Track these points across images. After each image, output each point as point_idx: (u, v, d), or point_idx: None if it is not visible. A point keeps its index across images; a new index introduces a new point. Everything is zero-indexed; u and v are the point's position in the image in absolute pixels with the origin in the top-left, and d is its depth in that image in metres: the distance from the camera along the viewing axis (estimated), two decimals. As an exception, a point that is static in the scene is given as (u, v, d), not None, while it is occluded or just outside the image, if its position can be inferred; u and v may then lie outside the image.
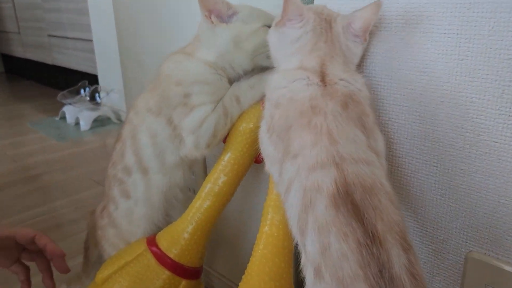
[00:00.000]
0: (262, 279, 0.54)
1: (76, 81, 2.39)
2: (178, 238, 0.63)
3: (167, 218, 0.75)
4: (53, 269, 0.74)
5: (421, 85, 0.50)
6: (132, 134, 0.70)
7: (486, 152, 0.47)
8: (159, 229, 0.72)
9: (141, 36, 0.99)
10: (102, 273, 0.64)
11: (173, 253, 0.63)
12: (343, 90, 0.46)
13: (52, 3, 2.65)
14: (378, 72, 0.54)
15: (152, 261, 0.62)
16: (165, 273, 0.62)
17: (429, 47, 0.48)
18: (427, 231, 0.54)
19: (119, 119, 2.23)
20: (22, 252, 0.73)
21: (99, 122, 2.21)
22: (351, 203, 0.39)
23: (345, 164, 0.41)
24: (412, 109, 0.51)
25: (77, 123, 2.20)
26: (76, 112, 2.21)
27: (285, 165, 0.45)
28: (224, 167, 0.63)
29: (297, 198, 0.42)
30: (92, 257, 0.85)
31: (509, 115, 0.44)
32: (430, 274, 0.55)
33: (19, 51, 3.36)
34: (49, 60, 2.93)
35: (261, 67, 0.64)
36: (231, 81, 0.65)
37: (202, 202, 0.64)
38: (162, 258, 0.63)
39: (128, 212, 0.73)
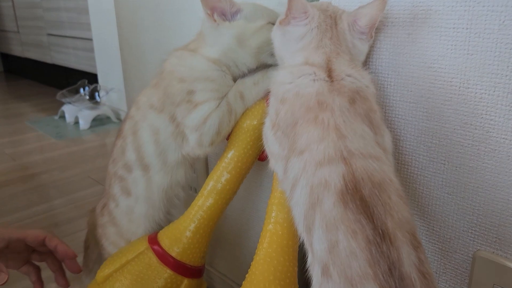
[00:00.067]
0: (266, 278, 0.53)
1: (75, 80, 2.38)
2: (180, 236, 0.62)
3: (168, 217, 0.75)
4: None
5: (429, 81, 0.49)
6: (133, 130, 0.69)
7: (496, 149, 0.46)
8: (160, 227, 0.71)
9: (143, 34, 0.98)
10: (103, 272, 0.64)
11: (175, 251, 0.62)
12: (350, 86, 0.46)
13: (51, 2, 2.64)
14: (384, 68, 0.53)
15: (154, 259, 0.62)
16: (167, 272, 0.61)
17: (437, 42, 0.48)
18: (433, 230, 0.53)
19: (118, 118, 2.22)
20: (32, 253, 0.73)
21: (99, 121, 2.20)
22: (359, 199, 0.38)
23: (353, 159, 0.40)
24: (419, 106, 0.51)
25: (76, 122, 2.19)
26: (76, 111, 2.20)
27: (290, 162, 0.44)
28: (227, 165, 0.62)
29: (304, 195, 0.41)
30: (92, 256, 0.84)
31: (519, 111, 0.43)
32: (436, 273, 0.55)
33: (18, 50, 3.35)
34: (48, 59, 2.92)
35: (265, 65, 0.63)
36: (235, 78, 0.64)
37: (205, 200, 0.63)
38: (164, 257, 0.62)
39: (128, 210, 0.72)
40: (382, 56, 0.53)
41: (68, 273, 0.74)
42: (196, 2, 0.79)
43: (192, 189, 0.91)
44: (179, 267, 0.62)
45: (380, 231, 0.37)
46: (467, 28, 0.45)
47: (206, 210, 0.63)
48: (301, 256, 0.54)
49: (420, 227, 0.55)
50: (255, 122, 0.61)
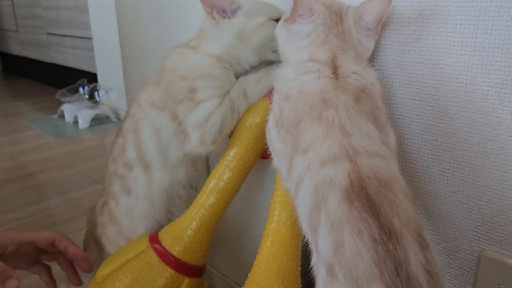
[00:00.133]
0: (269, 277, 0.52)
1: (75, 79, 2.37)
2: (182, 235, 0.62)
3: (169, 215, 0.74)
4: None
5: (435, 78, 0.49)
6: (134, 129, 0.68)
7: (502, 147, 0.45)
8: (161, 226, 0.70)
9: (143, 30, 0.97)
10: (103, 271, 0.63)
11: (176, 250, 0.61)
12: (355, 83, 0.45)
13: (51, 1, 2.63)
14: (389, 65, 0.52)
15: (155, 258, 0.61)
16: (167, 271, 0.60)
17: (443, 39, 0.47)
18: (438, 229, 0.53)
19: (118, 117, 2.21)
20: (42, 253, 0.73)
21: (98, 121, 2.19)
22: (365, 197, 0.37)
23: (358, 157, 0.39)
24: (424, 103, 0.50)
25: (76, 122, 2.19)
26: (75, 110, 2.19)
27: (294, 161, 0.44)
28: (230, 163, 0.62)
29: (308, 194, 0.41)
30: (92, 256, 0.83)
31: (527, 109, 0.43)
32: (441, 273, 0.54)
33: (17, 49, 3.33)
34: (47, 58, 2.91)
35: (268, 61, 0.63)
36: (237, 75, 0.63)
37: (207, 199, 0.62)
38: (164, 256, 0.61)
39: (129, 209, 0.72)
40: (387, 53, 0.52)
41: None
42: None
43: (193, 188, 0.90)
44: (180, 266, 0.61)
45: (387, 230, 0.36)
46: (474, 25, 0.44)
47: (208, 209, 0.62)
48: (304, 256, 0.54)
49: (424, 226, 0.54)
50: (258, 120, 0.60)
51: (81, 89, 2.28)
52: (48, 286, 0.73)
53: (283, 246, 0.53)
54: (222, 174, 0.62)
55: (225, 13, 0.60)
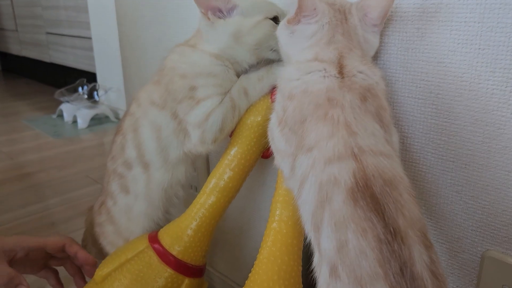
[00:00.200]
0: (270, 277, 0.51)
1: (73, 79, 2.36)
2: (182, 235, 0.61)
3: (167, 216, 0.73)
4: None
5: (438, 76, 0.48)
6: (133, 127, 0.67)
7: (507, 146, 0.45)
8: (159, 226, 0.69)
9: (143, 30, 0.97)
10: (102, 271, 0.62)
11: (176, 250, 0.60)
12: (361, 83, 0.44)
13: (50, 1, 2.62)
14: (392, 63, 0.52)
15: (154, 258, 0.60)
16: (167, 271, 0.60)
17: (447, 37, 0.47)
18: (441, 229, 0.52)
19: (117, 117, 2.21)
20: (50, 258, 0.73)
21: (97, 121, 2.19)
22: (370, 196, 0.37)
23: (364, 156, 0.39)
24: (428, 102, 0.50)
25: (75, 121, 2.18)
26: (74, 110, 2.19)
27: (298, 160, 0.43)
28: (230, 162, 0.61)
29: (312, 193, 0.40)
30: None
31: (532, 107, 0.42)
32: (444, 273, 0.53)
33: (16, 49, 3.33)
34: (46, 58, 2.90)
35: (269, 60, 0.62)
36: (238, 74, 0.63)
37: (207, 198, 0.62)
38: (164, 256, 0.60)
39: (127, 208, 0.71)
40: (390, 51, 0.52)
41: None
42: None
43: (193, 188, 0.90)
44: (180, 266, 0.60)
45: (392, 229, 0.36)
46: (479, 22, 0.44)
47: (208, 208, 0.61)
48: (305, 257, 0.53)
49: (427, 226, 0.53)
50: (259, 119, 0.60)
51: (80, 89, 2.27)
52: None
53: (284, 246, 0.53)
54: (222, 174, 0.61)
55: (221, 12, 0.59)
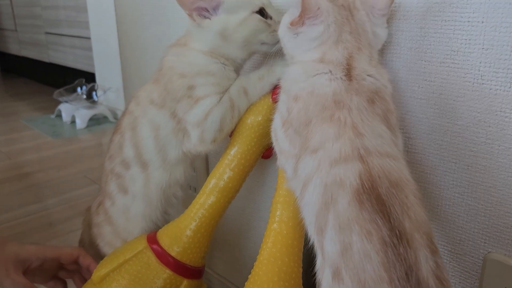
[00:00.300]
0: (270, 279, 0.51)
1: (72, 79, 2.35)
2: (181, 235, 0.60)
3: (165, 216, 0.73)
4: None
5: (441, 76, 0.48)
6: (132, 126, 0.67)
7: (510, 148, 0.44)
8: (157, 227, 0.69)
9: (143, 33, 0.96)
10: (100, 271, 0.61)
11: (175, 251, 0.60)
12: (370, 86, 0.44)
13: (50, 1, 2.62)
14: (395, 63, 0.51)
15: (153, 259, 0.59)
16: (166, 272, 0.59)
17: (450, 37, 0.46)
18: (443, 231, 0.52)
19: (115, 118, 2.20)
20: (60, 269, 0.74)
21: (96, 121, 2.18)
22: (376, 198, 0.36)
23: (370, 157, 0.38)
24: (430, 102, 0.49)
25: (73, 121, 2.17)
26: (72, 110, 2.18)
27: (302, 161, 0.42)
28: (230, 162, 0.61)
29: (316, 194, 0.39)
30: (88, 256, 0.82)
31: (536, 108, 0.42)
32: (445, 276, 0.53)
33: (15, 49, 3.32)
34: (45, 58, 2.89)
35: (265, 52, 0.61)
36: (236, 70, 0.62)
37: (206, 198, 0.61)
38: (163, 256, 0.60)
39: (125, 208, 0.70)
40: (393, 51, 0.51)
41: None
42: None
43: (192, 189, 0.89)
44: (179, 267, 0.60)
45: (397, 232, 0.35)
46: (482, 22, 0.43)
47: (208, 209, 0.61)
48: (307, 259, 0.52)
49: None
50: (259, 118, 0.59)
51: (79, 89, 2.26)
52: None
53: (284, 247, 0.52)
54: (222, 174, 0.61)
55: (208, 12, 0.58)
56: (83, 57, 2.44)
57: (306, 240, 0.52)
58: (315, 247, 0.41)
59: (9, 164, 1.66)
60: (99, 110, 2.18)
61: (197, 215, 0.61)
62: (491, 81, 0.44)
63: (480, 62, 0.44)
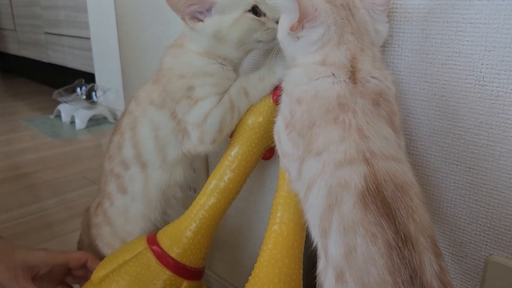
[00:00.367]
0: (271, 280, 0.51)
1: (72, 79, 2.35)
2: (181, 236, 0.60)
3: (165, 217, 0.73)
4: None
5: (443, 78, 0.48)
6: (132, 126, 0.67)
7: (512, 150, 0.44)
8: (156, 227, 0.69)
9: (143, 33, 0.96)
10: (99, 272, 0.61)
11: (175, 252, 0.60)
12: (374, 88, 0.43)
13: (49, 0, 2.61)
14: (396, 65, 0.51)
15: (153, 260, 0.59)
16: (166, 273, 0.59)
17: (452, 38, 0.46)
18: (444, 233, 0.52)
19: (115, 118, 2.19)
20: (67, 275, 0.73)
21: (95, 121, 2.17)
22: (381, 200, 0.36)
23: (375, 159, 0.38)
24: (432, 104, 0.49)
25: (73, 122, 2.16)
26: (72, 110, 2.17)
27: (306, 163, 0.42)
28: (231, 163, 0.60)
29: (321, 197, 0.39)
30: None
31: (539, 110, 0.42)
32: (446, 278, 0.53)
33: (15, 49, 3.31)
34: (45, 58, 2.89)
35: (264, 49, 0.61)
36: (234, 70, 0.62)
37: (207, 199, 0.61)
38: (163, 258, 0.59)
39: (124, 209, 0.70)
40: (394, 52, 0.51)
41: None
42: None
43: (192, 190, 0.89)
44: (179, 269, 0.59)
45: (402, 235, 0.35)
46: (485, 23, 0.43)
47: (208, 210, 0.60)
48: (306, 261, 0.52)
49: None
50: (260, 119, 0.59)
51: (78, 89, 2.26)
52: None
53: (285, 249, 0.52)
54: (223, 175, 0.61)
55: (201, 13, 0.58)
56: (82, 57, 2.44)
57: (307, 242, 0.52)
58: (318, 249, 0.40)
59: (8, 164, 1.66)
60: (98, 110, 2.18)
61: (197, 216, 0.61)
62: (493, 83, 0.44)
63: (482, 64, 0.44)
